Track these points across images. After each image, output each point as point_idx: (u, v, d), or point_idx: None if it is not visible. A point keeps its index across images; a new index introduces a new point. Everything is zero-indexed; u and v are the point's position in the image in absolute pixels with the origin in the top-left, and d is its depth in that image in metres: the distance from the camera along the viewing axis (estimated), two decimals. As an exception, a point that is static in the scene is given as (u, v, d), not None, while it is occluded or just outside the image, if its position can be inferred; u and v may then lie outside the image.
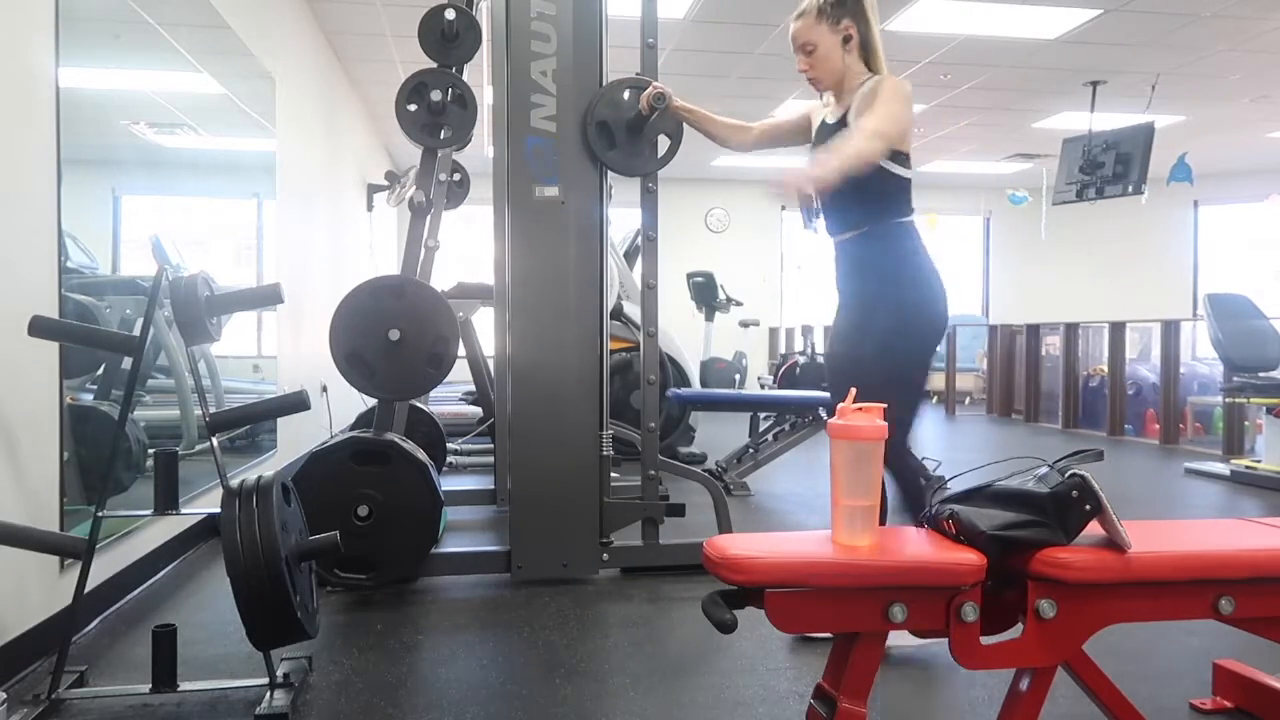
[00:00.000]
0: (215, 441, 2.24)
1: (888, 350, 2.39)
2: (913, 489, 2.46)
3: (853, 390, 1.70)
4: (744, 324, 9.73)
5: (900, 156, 2.36)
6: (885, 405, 1.65)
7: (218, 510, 1.98)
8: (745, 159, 9.80)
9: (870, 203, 2.39)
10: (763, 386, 9.07)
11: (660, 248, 3.21)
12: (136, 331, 2.17)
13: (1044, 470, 1.65)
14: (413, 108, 3.04)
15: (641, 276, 3.21)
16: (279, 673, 2.12)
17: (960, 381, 10.48)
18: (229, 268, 4.51)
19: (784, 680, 2.24)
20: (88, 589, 2.13)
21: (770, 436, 5.31)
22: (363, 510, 2.82)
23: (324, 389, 5.48)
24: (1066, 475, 1.59)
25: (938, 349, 2.51)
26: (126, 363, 2.22)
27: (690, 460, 5.51)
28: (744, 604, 1.56)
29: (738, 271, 11.12)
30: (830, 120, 2.49)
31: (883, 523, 2.00)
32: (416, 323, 2.93)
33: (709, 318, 8.79)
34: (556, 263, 3.09)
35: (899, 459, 2.40)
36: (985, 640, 1.61)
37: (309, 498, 2.38)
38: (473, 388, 5.78)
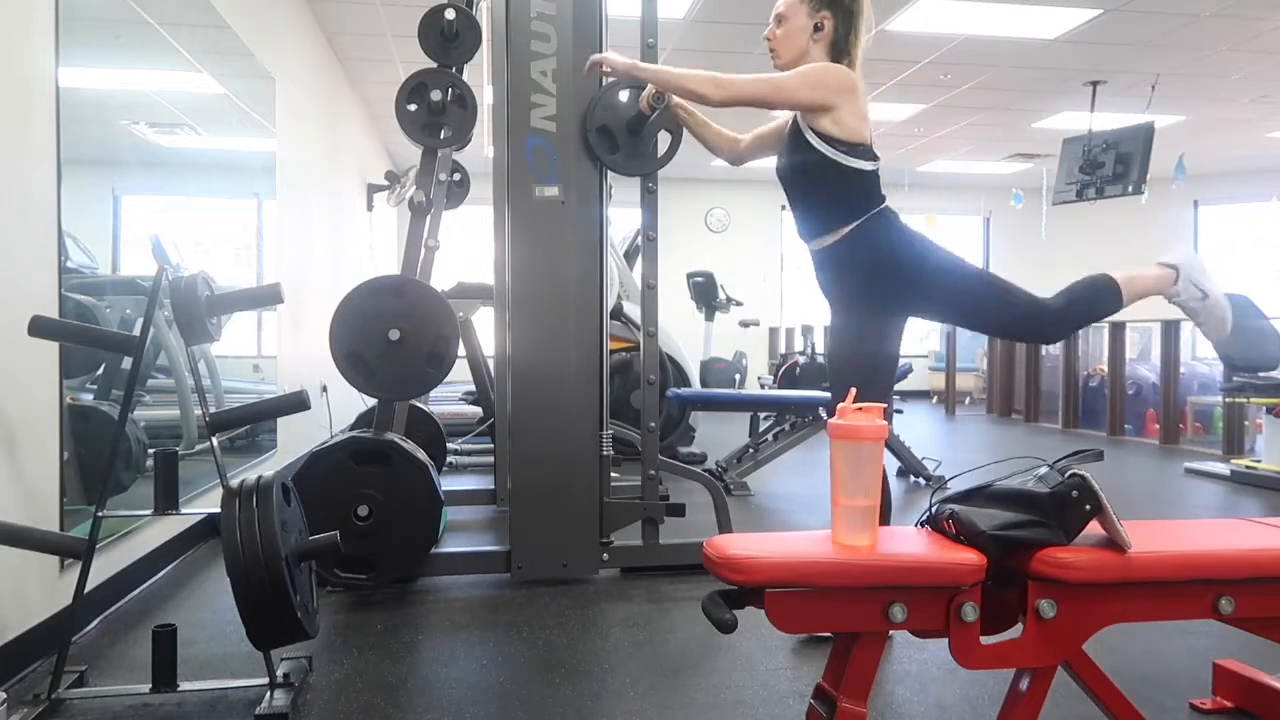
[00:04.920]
0: (215, 441, 2.24)
1: (965, 300, 2.42)
2: None
3: (853, 390, 1.70)
4: (744, 324, 9.73)
5: (859, 149, 2.33)
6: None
7: (218, 510, 1.98)
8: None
9: (838, 204, 2.37)
10: (763, 386, 9.06)
11: (660, 248, 3.21)
12: (136, 331, 2.17)
13: (1044, 470, 1.65)
14: (413, 108, 3.04)
15: (641, 276, 3.21)
16: (279, 673, 2.12)
17: (960, 381, 10.48)
18: (229, 268, 4.51)
19: (784, 680, 2.25)
20: (88, 589, 2.13)
21: (770, 436, 5.31)
22: (363, 510, 2.82)
23: (324, 389, 5.48)
24: (1066, 475, 1.60)
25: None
26: (126, 363, 2.22)
27: (690, 460, 5.51)
28: (744, 604, 1.56)
29: (738, 271, 11.12)
30: (793, 121, 2.46)
31: (884, 523, 2.00)
32: (416, 322, 2.93)
33: (709, 318, 8.78)
34: (556, 263, 3.09)
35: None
36: (985, 640, 1.61)
37: (309, 498, 2.38)
38: (473, 388, 5.78)
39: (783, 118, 2.64)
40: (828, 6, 2.38)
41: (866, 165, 2.34)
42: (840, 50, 2.41)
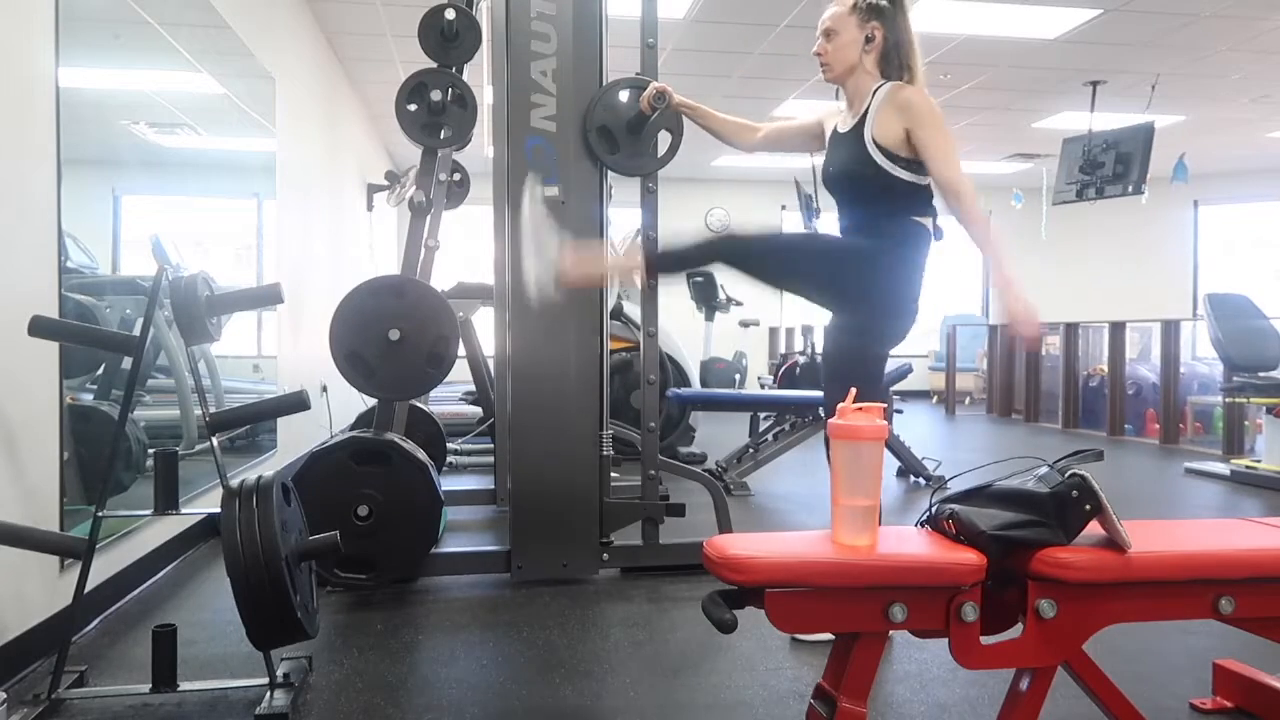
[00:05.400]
0: (215, 441, 2.24)
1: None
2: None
3: (853, 390, 1.70)
4: (744, 324, 9.71)
5: (915, 165, 2.35)
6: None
7: (218, 510, 1.98)
8: (747, 159, 9.78)
9: (888, 215, 2.39)
10: (763, 386, 9.06)
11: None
12: (136, 331, 2.17)
13: (1044, 470, 1.65)
14: (413, 108, 3.04)
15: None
16: (279, 673, 2.12)
17: (960, 381, 10.47)
18: (229, 268, 4.51)
19: (784, 680, 2.25)
20: (88, 589, 2.13)
21: (770, 436, 5.31)
22: (363, 510, 2.82)
23: (324, 389, 5.48)
24: (1066, 475, 1.60)
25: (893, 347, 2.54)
26: (126, 363, 2.22)
27: (690, 460, 5.51)
28: (744, 604, 1.56)
29: (738, 271, 11.10)
30: (843, 129, 2.48)
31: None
32: (416, 322, 2.93)
33: (709, 318, 8.77)
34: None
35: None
36: (985, 640, 1.61)
37: (309, 498, 2.38)
38: (473, 388, 5.78)
39: (814, 118, 2.65)
40: (875, 16, 2.39)
41: (923, 180, 2.38)
42: (890, 58, 2.41)
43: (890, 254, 2.37)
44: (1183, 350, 7.35)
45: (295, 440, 4.78)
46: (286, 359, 4.89)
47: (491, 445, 4.57)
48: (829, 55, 2.45)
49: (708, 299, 8.76)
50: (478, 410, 5.81)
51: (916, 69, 2.43)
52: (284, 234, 5.01)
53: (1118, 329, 7.74)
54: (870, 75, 2.43)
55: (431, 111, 3.03)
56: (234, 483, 2.03)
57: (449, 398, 6.88)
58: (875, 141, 2.35)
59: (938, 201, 2.42)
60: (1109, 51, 6.70)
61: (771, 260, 2.48)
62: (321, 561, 2.54)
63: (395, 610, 2.83)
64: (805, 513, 4.48)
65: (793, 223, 11.98)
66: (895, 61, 2.41)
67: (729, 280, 8.23)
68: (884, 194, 2.38)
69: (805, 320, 10.55)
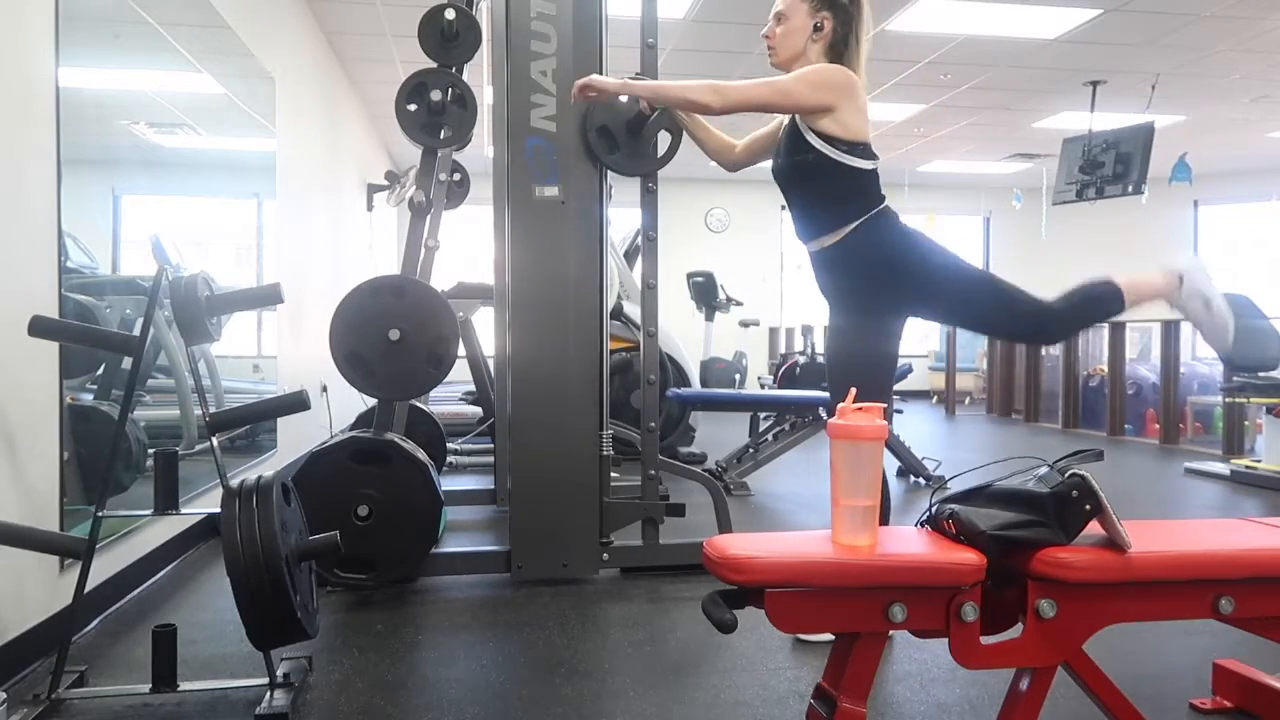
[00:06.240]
0: (215, 441, 2.24)
1: (966, 301, 2.42)
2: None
3: (853, 390, 1.70)
4: (744, 324, 9.72)
5: (859, 148, 2.32)
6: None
7: (218, 510, 1.98)
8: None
9: (839, 204, 2.36)
10: (763, 386, 9.06)
11: (660, 248, 3.21)
12: (136, 331, 2.17)
13: (1044, 470, 1.65)
14: (413, 108, 3.04)
15: (641, 276, 3.21)
16: (279, 673, 2.12)
17: (960, 381, 10.48)
18: (229, 268, 4.51)
19: (784, 680, 2.25)
20: (88, 589, 2.13)
21: (770, 436, 5.31)
22: (363, 510, 2.82)
23: (324, 389, 5.48)
24: (1066, 475, 1.60)
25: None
26: (126, 363, 2.22)
27: (690, 460, 5.51)
28: (744, 604, 1.56)
29: (738, 271, 11.12)
30: (787, 122, 2.46)
31: (883, 523, 2.00)
32: (416, 322, 2.93)
33: (709, 318, 8.78)
34: (556, 263, 3.09)
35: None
36: (985, 640, 1.61)
37: (309, 498, 2.38)
38: (473, 388, 5.78)
39: (775, 121, 2.63)
40: (828, 7, 2.37)
41: (866, 164, 2.34)
42: (838, 52, 2.39)
43: (894, 256, 2.35)
44: (1183, 350, 7.35)
45: (295, 440, 4.78)
46: (286, 359, 4.89)
47: (491, 445, 4.57)
48: (775, 39, 2.44)
49: (708, 299, 8.77)
50: (478, 410, 5.81)
51: (860, 66, 2.39)
52: (284, 234, 5.01)
53: (1118, 329, 7.74)
54: (811, 64, 2.40)
55: (431, 111, 3.03)
56: (234, 483, 2.03)
57: (449, 398, 6.88)
58: (809, 124, 2.33)
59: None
60: (1109, 51, 6.70)
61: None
62: (321, 561, 2.54)
63: (395, 610, 2.83)
64: (805, 513, 4.48)
65: (791, 223, 12.00)
66: (845, 56, 2.38)
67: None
68: (829, 185, 2.34)
69: (805, 320, 10.57)
